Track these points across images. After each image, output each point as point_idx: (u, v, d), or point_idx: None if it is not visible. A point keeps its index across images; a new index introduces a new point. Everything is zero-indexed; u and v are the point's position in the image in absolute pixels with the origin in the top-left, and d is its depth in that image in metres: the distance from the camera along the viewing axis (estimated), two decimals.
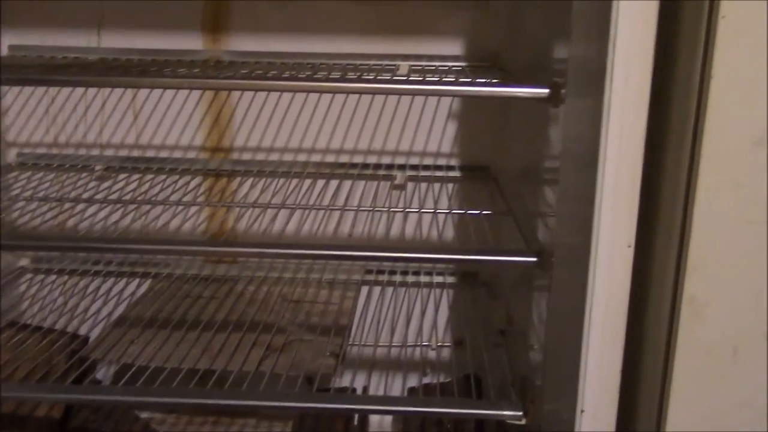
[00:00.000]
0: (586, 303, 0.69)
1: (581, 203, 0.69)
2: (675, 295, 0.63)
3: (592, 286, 0.68)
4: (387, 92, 1.10)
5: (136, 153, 1.30)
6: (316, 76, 1.09)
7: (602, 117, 0.65)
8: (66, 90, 1.27)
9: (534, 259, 0.83)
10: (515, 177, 1.16)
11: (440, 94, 1.11)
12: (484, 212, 1.08)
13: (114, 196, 1.20)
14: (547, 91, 0.80)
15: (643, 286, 0.69)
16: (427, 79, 1.03)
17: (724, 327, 0.62)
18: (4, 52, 1.26)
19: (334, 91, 1.12)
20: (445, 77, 1.11)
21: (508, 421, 0.85)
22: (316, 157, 1.28)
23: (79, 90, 1.27)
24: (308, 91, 1.14)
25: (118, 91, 1.26)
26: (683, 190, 0.62)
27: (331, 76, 1.06)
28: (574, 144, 0.75)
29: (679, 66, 0.64)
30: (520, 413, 0.84)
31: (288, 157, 1.29)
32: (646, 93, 0.64)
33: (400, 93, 1.12)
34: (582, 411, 0.70)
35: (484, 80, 0.95)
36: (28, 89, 1.27)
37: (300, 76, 1.06)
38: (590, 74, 0.69)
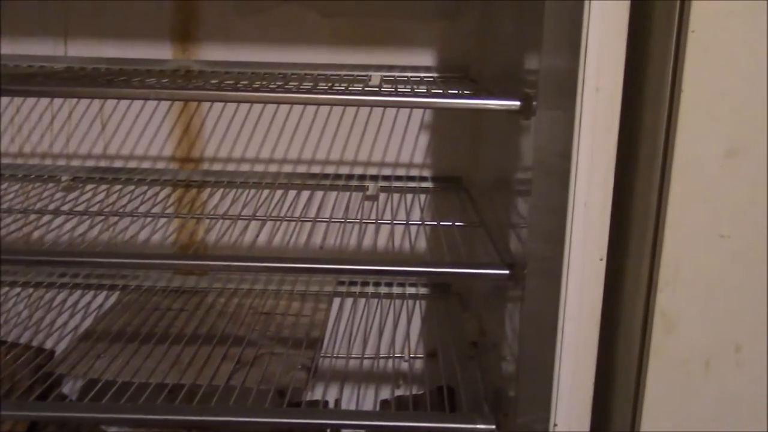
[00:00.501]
0: (558, 316, 0.68)
1: (553, 215, 0.69)
2: (647, 309, 0.63)
3: (564, 298, 0.68)
4: (359, 104, 1.09)
5: (103, 163, 1.28)
6: (287, 86, 1.08)
7: (573, 129, 0.65)
8: (31, 99, 1.24)
9: (506, 271, 0.83)
10: (487, 188, 1.16)
11: (411, 106, 1.11)
12: (456, 224, 1.07)
13: (81, 208, 1.18)
14: (518, 103, 0.79)
15: (616, 299, 0.69)
16: (398, 90, 1.02)
17: (695, 340, 0.62)
18: None
19: (304, 103, 1.11)
20: (417, 88, 1.11)
21: None
22: (287, 168, 1.27)
23: (45, 99, 1.24)
24: (278, 102, 1.13)
25: (86, 100, 1.24)
26: (655, 204, 0.62)
27: (302, 87, 1.05)
28: (545, 156, 0.74)
29: (650, 79, 0.64)
30: (493, 426, 0.84)
31: (259, 167, 1.28)
32: (617, 105, 0.64)
33: (372, 105, 1.12)
34: (555, 425, 0.70)
35: (455, 92, 0.94)
36: None
37: (271, 86, 1.05)
38: (561, 86, 0.69)
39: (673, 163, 0.60)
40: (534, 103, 0.76)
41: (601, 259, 0.67)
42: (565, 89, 0.66)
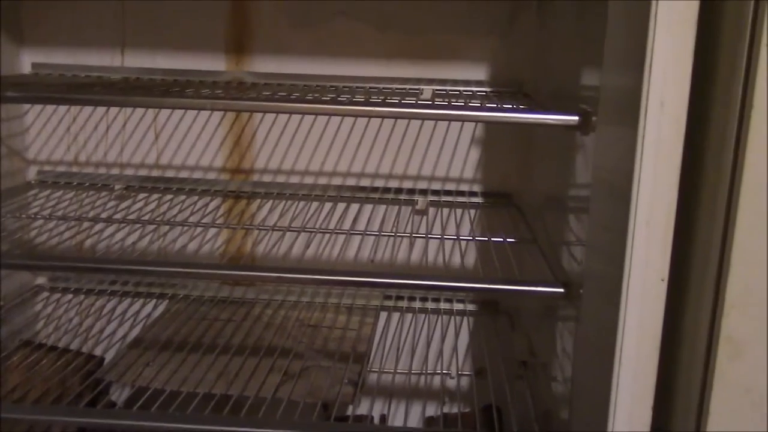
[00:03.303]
0: (616, 337, 0.66)
1: (613, 234, 0.67)
2: (711, 334, 0.61)
3: (623, 320, 0.66)
4: (412, 117, 1.08)
5: (156, 173, 1.29)
6: (339, 98, 1.08)
7: (636, 144, 0.63)
8: (88, 108, 1.26)
9: (561, 290, 0.81)
10: (539, 205, 1.14)
11: (465, 119, 1.10)
12: (508, 240, 1.05)
13: (133, 216, 1.19)
14: (576, 118, 0.78)
15: (677, 322, 0.67)
16: (452, 104, 1.01)
17: (763, 368, 0.59)
18: (27, 69, 1.26)
19: (356, 115, 1.11)
20: (470, 102, 1.10)
21: None
22: (336, 181, 1.27)
23: (101, 109, 1.26)
24: (331, 114, 1.13)
25: (140, 110, 1.26)
26: (722, 224, 0.60)
27: (354, 100, 1.05)
28: (605, 173, 0.73)
29: (718, 94, 0.62)
30: None
31: (308, 180, 1.28)
32: (683, 120, 0.62)
33: (425, 118, 1.10)
34: None
35: (511, 106, 0.93)
36: (50, 107, 1.26)
37: (323, 98, 1.04)
38: (623, 100, 0.67)
39: (743, 181, 0.58)
40: (594, 118, 0.74)
41: (663, 280, 0.64)
42: (628, 104, 0.64)
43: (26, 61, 1.26)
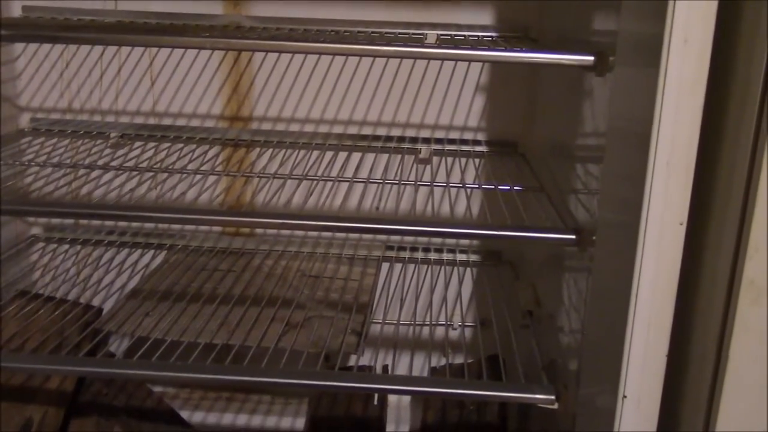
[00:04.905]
0: (632, 283, 0.64)
1: (630, 179, 0.65)
2: (732, 278, 0.59)
3: (639, 265, 0.64)
4: (424, 57, 1.03)
5: (152, 120, 1.26)
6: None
7: (657, 84, 0.61)
8: (81, 53, 1.23)
9: (572, 236, 0.79)
10: (545, 153, 1.12)
11: (479, 59, 1.06)
12: (515, 188, 1.03)
13: (129, 164, 1.16)
14: (592, 58, 0.75)
15: (695, 266, 0.65)
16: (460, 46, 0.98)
17: None
18: (18, 12, 1.21)
19: (363, 54, 1.07)
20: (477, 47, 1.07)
21: (540, 405, 0.81)
22: (337, 129, 1.24)
23: (95, 54, 1.22)
24: (336, 53, 1.09)
25: (135, 55, 1.22)
26: (746, 166, 0.57)
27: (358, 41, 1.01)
28: (622, 113, 0.70)
29: (744, 27, 0.60)
30: (553, 397, 0.81)
31: (309, 128, 1.25)
32: (707, 58, 0.60)
33: (438, 58, 1.07)
34: (624, 397, 0.66)
35: (521, 48, 0.90)
36: (42, 52, 1.23)
37: (326, 39, 1.01)
38: (643, 38, 0.65)
39: None
40: (611, 58, 0.72)
41: (681, 224, 0.63)
42: (649, 41, 0.62)
43: (16, 5, 1.22)
